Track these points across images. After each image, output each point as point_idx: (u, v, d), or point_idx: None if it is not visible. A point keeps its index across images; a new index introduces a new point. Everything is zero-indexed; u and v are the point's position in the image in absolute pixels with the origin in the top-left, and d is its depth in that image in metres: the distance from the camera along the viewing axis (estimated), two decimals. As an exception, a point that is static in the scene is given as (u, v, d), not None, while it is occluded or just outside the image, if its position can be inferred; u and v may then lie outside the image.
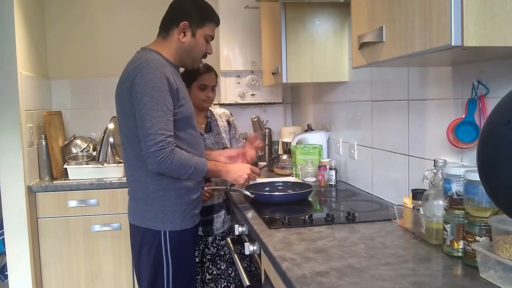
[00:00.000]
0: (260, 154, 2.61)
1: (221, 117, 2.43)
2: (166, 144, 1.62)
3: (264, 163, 2.86)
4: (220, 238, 2.31)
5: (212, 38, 1.86)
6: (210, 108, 2.42)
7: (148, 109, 1.60)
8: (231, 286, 2.32)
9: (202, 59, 1.90)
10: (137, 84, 1.63)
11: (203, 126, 2.34)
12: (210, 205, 2.25)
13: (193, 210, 1.82)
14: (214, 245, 2.30)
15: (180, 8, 1.80)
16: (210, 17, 1.83)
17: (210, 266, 2.30)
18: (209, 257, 2.30)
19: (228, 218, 2.32)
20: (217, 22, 1.87)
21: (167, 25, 1.80)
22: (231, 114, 2.52)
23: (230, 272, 2.32)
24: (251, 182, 2.03)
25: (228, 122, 2.45)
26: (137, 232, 1.78)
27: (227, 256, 2.32)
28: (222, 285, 2.31)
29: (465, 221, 1.18)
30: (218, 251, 2.31)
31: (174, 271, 1.76)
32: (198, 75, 2.26)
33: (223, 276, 2.32)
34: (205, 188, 1.99)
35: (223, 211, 2.30)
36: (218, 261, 2.31)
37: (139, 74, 1.63)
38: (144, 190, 1.74)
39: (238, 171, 1.89)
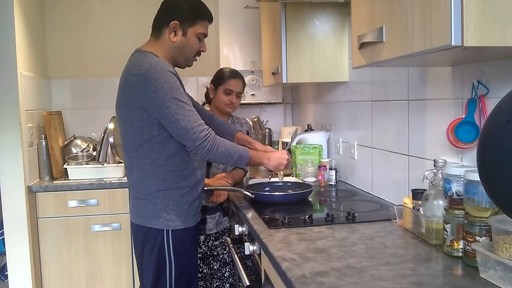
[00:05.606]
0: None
1: (242, 126, 2.50)
2: (208, 132, 1.68)
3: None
4: (213, 238, 2.31)
5: (205, 36, 1.83)
6: (233, 114, 2.49)
7: (175, 110, 1.62)
8: (225, 286, 2.32)
9: (196, 57, 1.88)
10: (152, 91, 1.60)
11: None
12: (203, 205, 2.24)
13: (195, 208, 1.83)
14: (205, 244, 2.30)
15: (170, 7, 1.78)
16: (202, 15, 1.80)
17: (201, 265, 2.30)
18: (200, 255, 2.30)
19: (223, 220, 2.32)
20: (210, 19, 1.84)
21: (159, 25, 1.78)
22: (252, 125, 2.60)
23: (224, 272, 2.32)
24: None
25: (247, 132, 2.52)
26: (140, 231, 1.78)
27: (221, 256, 2.32)
28: (215, 285, 2.31)
29: (465, 221, 1.18)
30: (211, 251, 2.31)
31: (177, 269, 1.77)
32: (225, 79, 2.33)
33: (215, 276, 2.32)
34: (205, 188, 1.99)
35: (218, 213, 2.29)
36: (211, 261, 2.31)
37: (148, 81, 1.61)
38: (147, 190, 1.74)
39: (278, 157, 1.94)
